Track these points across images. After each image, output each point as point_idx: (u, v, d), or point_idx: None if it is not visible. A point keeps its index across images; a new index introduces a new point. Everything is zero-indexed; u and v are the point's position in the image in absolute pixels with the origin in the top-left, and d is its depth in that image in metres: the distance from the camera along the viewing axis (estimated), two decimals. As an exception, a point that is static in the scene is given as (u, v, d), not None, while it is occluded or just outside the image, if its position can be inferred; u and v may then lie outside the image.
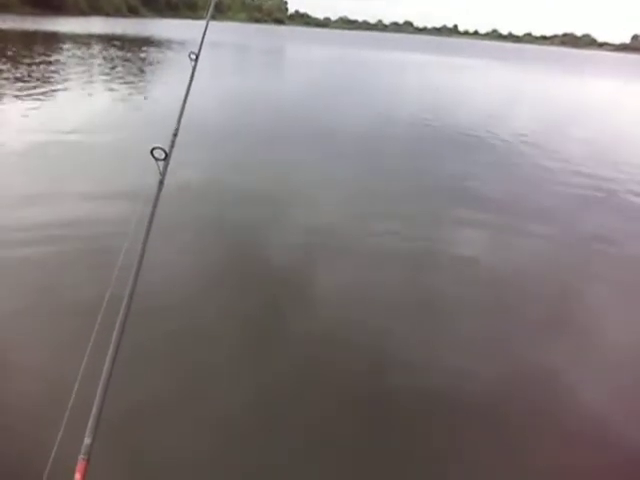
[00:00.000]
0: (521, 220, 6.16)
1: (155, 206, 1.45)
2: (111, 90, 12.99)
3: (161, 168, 1.45)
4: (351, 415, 2.88)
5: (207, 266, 4.47)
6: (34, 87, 12.24)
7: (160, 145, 1.43)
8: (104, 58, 20.31)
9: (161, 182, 1.47)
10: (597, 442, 2.86)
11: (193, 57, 2.15)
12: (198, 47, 2.18)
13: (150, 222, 1.44)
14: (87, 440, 1.07)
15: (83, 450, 1.05)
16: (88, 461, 1.05)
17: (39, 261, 4.27)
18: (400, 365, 3.33)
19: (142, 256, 1.39)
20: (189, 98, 1.92)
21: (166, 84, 14.84)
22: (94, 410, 1.11)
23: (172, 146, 1.59)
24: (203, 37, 2.29)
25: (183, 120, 1.80)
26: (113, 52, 23.00)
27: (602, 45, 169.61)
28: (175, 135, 1.67)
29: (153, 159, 1.43)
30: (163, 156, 1.44)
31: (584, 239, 5.76)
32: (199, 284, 4.16)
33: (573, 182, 7.94)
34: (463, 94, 19.03)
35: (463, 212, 6.22)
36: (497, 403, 3.07)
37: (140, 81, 15.10)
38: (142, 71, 17.43)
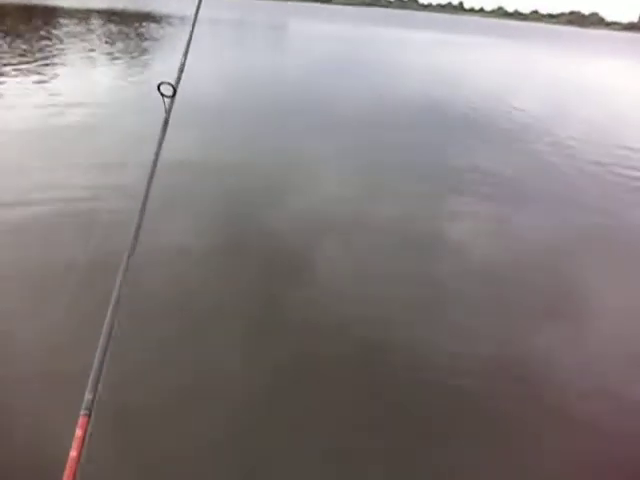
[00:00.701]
0: (524, 201, 6.10)
1: (160, 146, 1.38)
2: (113, 63, 12.82)
3: (167, 105, 1.39)
4: (351, 402, 2.84)
5: (208, 244, 4.38)
6: (35, 60, 12.07)
7: (168, 80, 1.36)
8: (104, 34, 20.03)
9: (167, 119, 1.40)
10: (598, 431, 2.81)
11: None
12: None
13: (155, 163, 1.37)
14: (88, 395, 1.06)
15: (84, 405, 1.05)
16: (89, 416, 1.04)
17: (37, 213, 4.27)
18: (398, 350, 3.29)
19: (145, 201, 1.32)
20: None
21: (167, 59, 14.65)
22: (95, 365, 1.10)
23: (178, 81, 1.52)
24: None
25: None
26: (113, 27, 22.67)
27: (609, 24, 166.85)
28: (181, 71, 1.59)
29: (160, 95, 1.36)
30: (171, 92, 1.37)
31: (586, 221, 5.67)
32: (199, 259, 4.11)
33: (577, 164, 7.85)
34: (467, 74, 18.75)
35: (465, 195, 6.12)
36: (498, 390, 3.03)
37: (141, 55, 14.88)
38: (144, 48, 17.17)
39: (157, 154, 1.32)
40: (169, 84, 1.38)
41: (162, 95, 1.37)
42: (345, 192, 5.88)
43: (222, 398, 2.73)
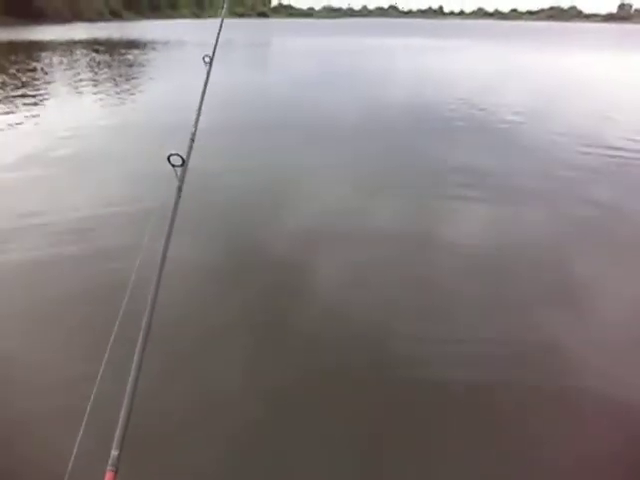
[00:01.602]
0: (518, 193, 6.30)
1: (175, 213, 1.44)
2: (105, 96, 12.94)
3: (179, 174, 1.45)
4: (357, 400, 2.91)
5: (220, 268, 4.50)
6: (24, 97, 12.18)
7: (177, 152, 1.42)
8: (90, 64, 20.19)
9: (179, 189, 1.46)
10: (605, 415, 2.87)
11: (207, 60, 2.12)
12: (212, 50, 2.14)
13: (170, 229, 1.43)
14: (114, 451, 1.05)
15: (110, 462, 1.03)
16: (116, 473, 1.03)
17: (52, 276, 4.28)
18: (403, 344, 3.39)
19: (163, 264, 1.36)
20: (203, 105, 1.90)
21: (156, 88, 14.79)
22: (121, 420, 1.09)
23: (190, 152, 1.58)
24: (217, 39, 2.26)
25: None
26: (100, 57, 22.88)
27: (589, 17, 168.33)
28: (192, 140, 1.65)
29: (170, 166, 1.42)
30: (180, 162, 1.43)
31: (581, 209, 5.84)
32: (216, 288, 4.18)
33: (567, 154, 8.04)
34: (452, 76, 18.93)
35: (460, 190, 6.33)
36: (501, 379, 3.11)
37: (128, 85, 15.00)
38: (130, 75, 17.31)
39: (172, 221, 1.38)
40: (178, 155, 1.44)
41: (173, 166, 1.43)
42: (350, 200, 6.09)
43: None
